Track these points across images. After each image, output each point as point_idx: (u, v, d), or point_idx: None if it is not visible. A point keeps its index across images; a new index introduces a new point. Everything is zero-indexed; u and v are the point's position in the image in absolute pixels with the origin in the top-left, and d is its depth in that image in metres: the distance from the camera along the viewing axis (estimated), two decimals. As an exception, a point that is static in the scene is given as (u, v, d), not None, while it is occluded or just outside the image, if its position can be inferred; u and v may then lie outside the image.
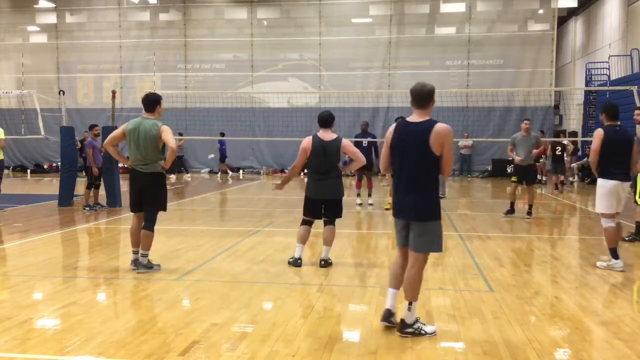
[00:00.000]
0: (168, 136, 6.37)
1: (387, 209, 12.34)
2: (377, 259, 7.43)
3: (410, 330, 4.42)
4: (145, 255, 6.51)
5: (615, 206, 6.73)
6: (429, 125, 4.35)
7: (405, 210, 4.48)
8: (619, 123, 6.86)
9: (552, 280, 6.30)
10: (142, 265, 6.49)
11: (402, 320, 4.45)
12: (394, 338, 4.40)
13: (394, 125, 4.60)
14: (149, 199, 6.48)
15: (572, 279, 6.33)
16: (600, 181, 6.77)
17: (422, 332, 4.44)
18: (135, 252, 6.57)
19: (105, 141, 6.77)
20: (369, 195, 13.14)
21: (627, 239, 8.60)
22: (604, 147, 6.70)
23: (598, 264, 6.87)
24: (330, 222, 6.88)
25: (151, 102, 6.50)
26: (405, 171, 4.45)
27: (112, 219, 11.06)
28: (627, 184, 6.78)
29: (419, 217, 4.42)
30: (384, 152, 4.66)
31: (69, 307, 5.16)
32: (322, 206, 6.84)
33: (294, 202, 14.83)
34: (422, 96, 4.43)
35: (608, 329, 4.71)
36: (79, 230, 9.92)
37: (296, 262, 6.81)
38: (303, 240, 6.89)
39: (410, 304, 4.43)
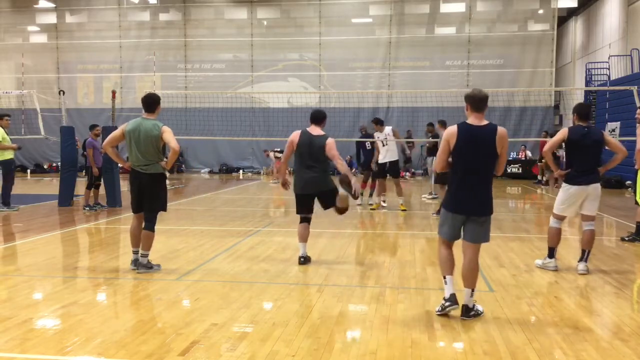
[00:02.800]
0: (170, 137, 6.35)
1: (373, 209, 12.36)
2: (377, 259, 7.43)
3: (472, 313, 4.85)
4: (146, 256, 6.51)
5: (572, 212, 6.65)
6: (493, 127, 4.78)
7: (471, 206, 4.82)
8: (586, 124, 6.51)
9: (552, 280, 6.29)
10: (142, 265, 6.49)
11: (466, 306, 4.83)
12: (393, 338, 4.40)
13: (454, 128, 4.85)
14: (149, 200, 6.47)
15: (572, 279, 6.32)
16: (564, 184, 6.63)
17: (479, 312, 4.89)
18: (136, 252, 6.58)
19: (104, 142, 6.76)
20: (370, 195, 13.16)
21: (627, 239, 8.60)
22: (567, 148, 6.55)
23: (536, 261, 6.98)
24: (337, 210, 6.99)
25: (152, 102, 6.48)
26: (472, 171, 4.79)
27: (112, 219, 11.07)
28: (594, 186, 6.48)
29: (485, 212, 4.85)
30: (442, 153, 4.91)
31: (69, 307, 5.16)
32: (312, 200, 6.90)
33: (294, 202, 14.83)
34: (482, 101, 4.81)
35: (608, 329, 4.71)
36: (79, 230, 9.92)
37: (299, 260, 6.90)
38: (304, 238, 6.96)
39: (472, 290, 4.84)
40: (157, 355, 4.01)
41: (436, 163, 5.05)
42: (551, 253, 6.76)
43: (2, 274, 6.52)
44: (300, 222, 6.99)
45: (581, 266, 6.58)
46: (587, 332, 4.57)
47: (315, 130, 6.83)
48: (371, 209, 12.38)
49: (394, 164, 12.42)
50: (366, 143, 13.23)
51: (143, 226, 6.50)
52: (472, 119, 4.83)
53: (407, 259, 7.49)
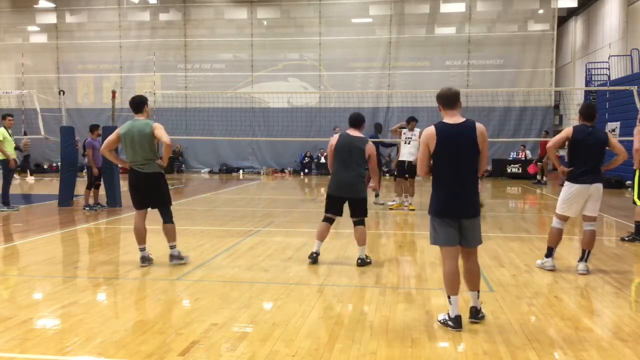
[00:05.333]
0: (161, 132, 6.63)
1: (392, 209, 12.41)
2: (378, 258, 7.43)
3: (481, 315, 4.79)
4: (174, 247, 6.90)
5: (574, 212, 6.57)
6: (471, 123, 4.62)
7: (462, 208, 4.63)
8: (591, 124, 6.45)
9: (552, 280, 6.29)
10: (175, 257, 6.86)
11: (474, 308, 4.77)
12: (393, 338, 4.40)
13: (431, 129, 4.63)
14: (157, 199, 6.85)
15: (572, 279, 6.32)
16: (566, 183, 6.58)
17: (483, 314, 4.85)
18: (142, 250, 6.82)
19: (102, 148, 7.06)
20: (376, 195, 13.29)
21: (627, 238, 8.60)
22: (571, 147, 6.48)
23: (537, 262, 6.96)
24: (358, 222, 6.97)
25: (138, 103, 6.80)
26: (457, 171, 4.61)
27: (112, 219, 11.06)
28: (596, 186, 6.44)
29: (475, 213, 4.68)
30: (423, 157, 4.70)
31: (69, 307, 5.16)
32: (343, 204, 6.93)
33: (294, 202, 14.83)
34: (450, 98, 4.66)
35: (608, 329, 4.71)
36: (79, 230, 9.92)
37: (311, 255, 6.93)
38: (321, 237, 6.99)
39: (478, 292, 4.79)
40: (157, 355, 4.01)
41: (418, 168, 4.80)
42: (549, 252, 6.74)
43: (2, 274, 6.53)
44: (323, 220, 7.03)
45: (581, 266, 6.57)
46: (587, 332, 4.57)
47: (354, 133, 6.86)
48: (390, 209, 12.43)
49: (412, 165, 12.36)
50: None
51: (163, 221, 6.86)
52: (447, 118, 4.65)
53: (407, 259, 7.49)
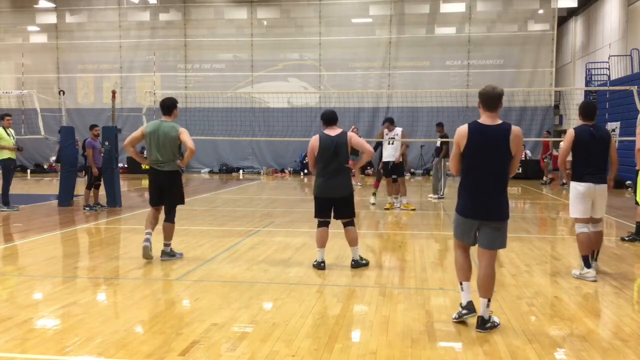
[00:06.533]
0: (186, 137, 6.95)
1: (387, 209, 12.40)
2: (378, 259, 7.43)
3: (489, 325, 4.59)
4: (168, 245, 7.19)
5: (588, 210, 6.34)
6: (507, 127, 4.52)
7: (486, 210, 4.57)
8: (592, 123, 6.37)
9: (552, 280, 6.29)
10: (166, 253, 7.16)
11: (481, 317, 4.59)
12: (393, 338, 4.40)
13: (464, 128, 4.59)
14: (170, 195, 7.12)
15: (572, 279, 6.32)
16: (572, 184, 6.43)
17: (495, 324, 4.64)
18: (148, 233, 7.00)
19: (125, 142, 7.22)
20: (373, 194, 13.28)
21: (627, 238, 8.60)
22: (575, 149, 6.31)
23: (573, 272, 6.52)
24: (348, 223, 6.81)
25: (169, 106, 7.07)
26: (483, 173, 4.56)
27: (112, 219, 11.07)
28: (602, 187, 6.35)
29: (501, 216, 4.58)
30: (455, 155, 4.67)
31: (69, 307, 5.16)
32: (332, 205, 6.75)
33: (294, 202, 14.83)
34: (493, 98, 4.55)
35: (608, 329, 4.71)
36: (79, 230, 9.92)
37: (319, 266, 6.70)
38: (322, 243, 6.75)
39: (488, 300, 4.61)
40: (157, 355, 4.01)
41: (451, 166, 4.80)
42: (587, 262, 6.28)
43: (2, 274, 6.53)
44: (319, 226, 6.80)
45: (592, 273, 6.37)
46: (587, 332, 4.57)
47: (333, 131, 6.68)
48: (385, 209, 12.44)
49: (397, 164, 12.38)
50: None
51: (164, 219, 7.14)
52: (484, 118, 4.56)
53: (407, 259, 7.49)
